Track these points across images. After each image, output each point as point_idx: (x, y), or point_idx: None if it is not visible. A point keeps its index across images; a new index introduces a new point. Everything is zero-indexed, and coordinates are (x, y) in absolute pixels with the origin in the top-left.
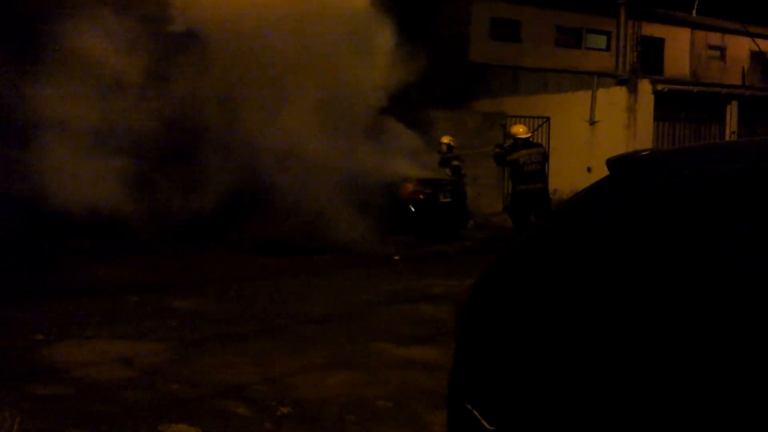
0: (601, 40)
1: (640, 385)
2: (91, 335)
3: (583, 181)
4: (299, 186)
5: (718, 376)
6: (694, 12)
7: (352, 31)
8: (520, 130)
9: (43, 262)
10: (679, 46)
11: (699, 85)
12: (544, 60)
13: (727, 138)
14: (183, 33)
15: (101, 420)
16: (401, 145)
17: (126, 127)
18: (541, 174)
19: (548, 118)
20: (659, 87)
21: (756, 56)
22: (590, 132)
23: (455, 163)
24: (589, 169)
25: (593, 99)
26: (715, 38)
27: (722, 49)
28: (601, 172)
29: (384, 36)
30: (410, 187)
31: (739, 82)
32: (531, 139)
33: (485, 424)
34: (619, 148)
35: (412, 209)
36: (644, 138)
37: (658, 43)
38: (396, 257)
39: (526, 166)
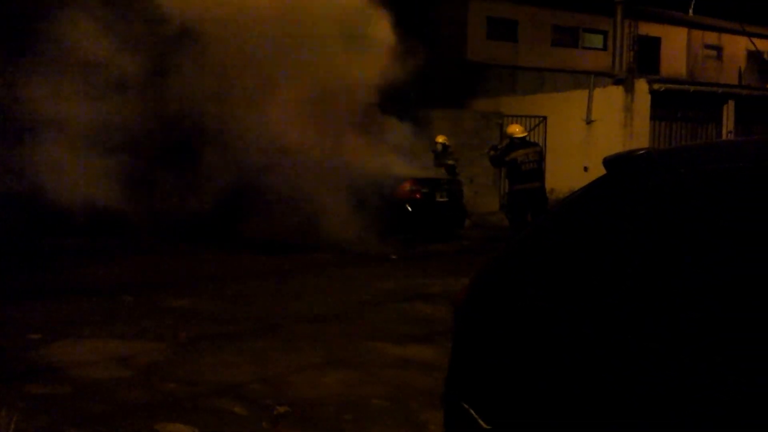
0: (597, 40)
1: (637, 384)
2: (87, 334)
3: (580, 181)
4: (296, 185)
5: (715, 375)
6: (691, 11)
7: (351, 30)
8: (516, 130)
9: (40, 261)
10: (676, 46)
11: (695, 85)
12: (541, 59)
13: (723, 137)
14: (177, 29)
15: (97, 419)
16: (398, 145)
17: (122, 126)
18: (538, 173)
19: (545, 118)
20: (656, 86)
21: (753, 55)
22: (587, 131)
23: (450, 162)
24: (585, 169)
25: (590, 98)
26: (711, 38)
27: (719, 49)
28: (598, 171)
29: (382, 36)
30: (407, 186)
31: (735, 82)
32: (527, 139)
33: (482, 423)
34: (616, 148)
35: (409, 208)
36: (641, 137)
37: (655, 43)
38: (393, 256)
39: (523, 165)
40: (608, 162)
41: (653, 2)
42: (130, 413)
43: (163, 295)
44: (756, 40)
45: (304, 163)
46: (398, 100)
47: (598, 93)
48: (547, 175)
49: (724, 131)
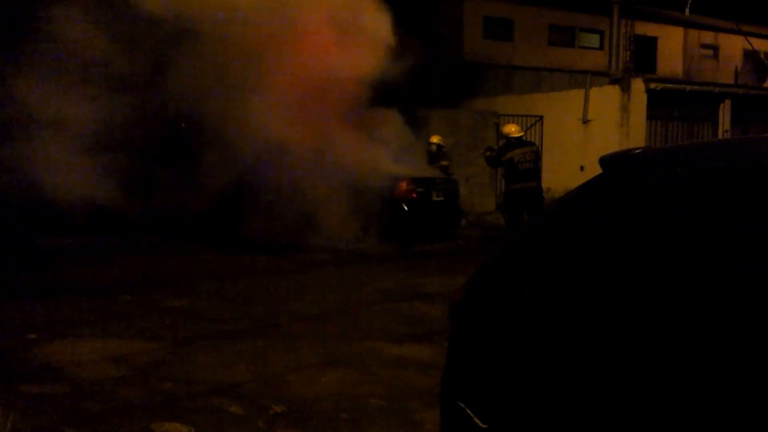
0: (594, 39)
1: (634, 384)
2: (86, 334)
3: (576, 180)
4: (293, 185)
5: (713, 375)
6: (687, 11)
7: (347, 30)
8: (512, 129)
9: (39, 261)
10: (672, 45)
11: (692, 84)
12: (538, 59)
13: (720, 137)
14: (172, 25)
15: (94, 419)
16: (395, 144)
17: (121, 125)
18: (534, 172)
19: (541, 117)
20: (652, 86)
21: (749, 55)
22: (583, 131)
23: (444, 162)
24: (582, 168)
25: (586, 98)
26: (708, 37)
27: (715, 48)
28: (594, 170)
29: (379, 35)
30: (403, 185)
31: (731, 81)
32: (524, 138)
33: (478, 422)
34: (612, 147)
35: (405, 208)
36: (637, 137)
37: (651, 42)
38: (390, 256)
39: (520, 164)
40: (604, 161)
41: (650, 2)
42: (128, 413)
43: (161, 294)
44: (752, 40)
45: (301, 163)
46: (395, 100)
47: (595, 92)
48: (544, 175)
49: (720, 131)
